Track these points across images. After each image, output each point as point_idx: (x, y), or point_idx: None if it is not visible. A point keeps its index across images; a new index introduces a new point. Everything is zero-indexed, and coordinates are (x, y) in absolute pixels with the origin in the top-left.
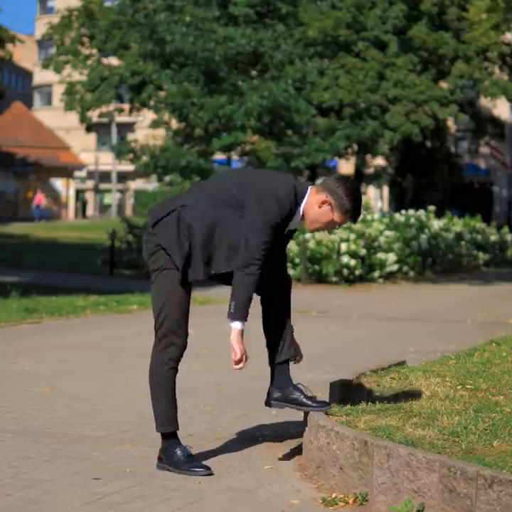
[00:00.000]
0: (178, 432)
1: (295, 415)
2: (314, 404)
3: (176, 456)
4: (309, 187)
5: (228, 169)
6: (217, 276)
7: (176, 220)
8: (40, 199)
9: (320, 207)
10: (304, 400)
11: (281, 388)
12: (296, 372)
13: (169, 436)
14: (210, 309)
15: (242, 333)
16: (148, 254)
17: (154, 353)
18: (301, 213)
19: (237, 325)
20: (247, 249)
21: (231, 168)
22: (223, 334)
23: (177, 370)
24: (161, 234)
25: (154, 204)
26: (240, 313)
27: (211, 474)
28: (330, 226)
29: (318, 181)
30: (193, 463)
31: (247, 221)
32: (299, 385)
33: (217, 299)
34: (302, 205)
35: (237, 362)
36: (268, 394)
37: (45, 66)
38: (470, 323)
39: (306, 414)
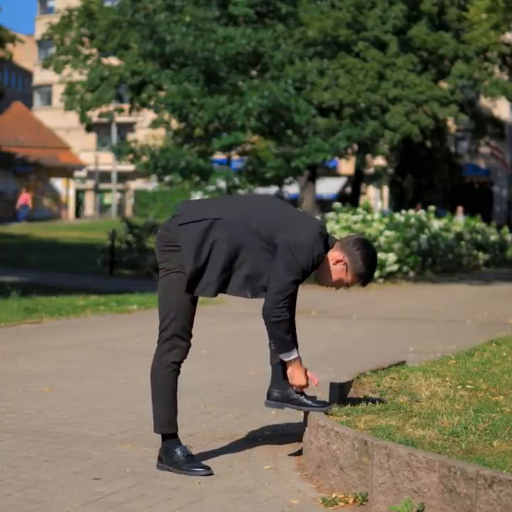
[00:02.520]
0: (177, 432)
1: (295, 415)
2: (314, 404)
3: (175, 456)
4: (336, 242)
5: (264, 195)
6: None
7: (204, 230)
8: (26, 199)
9: (335, 264)
10: (304, 400)
11: (281, 388)
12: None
13: (169, 436)
14: (210, 309)
15: (299, 361)
16: (164, 249)
17: (157, 354)
18: None
19: (287, 356)
20: (275, 293)
21: (264, 194)
22: (223, 334)
23: (179, 372)
24: (184, 236)
25: (185, 202)
26: (283, 348)
27: (211, 474)
28: (339, 285)
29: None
30: (193, 463)
31: (278, 264)
32: None
33: (217, 300)
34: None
35: (303, 387)
36: (268, 394)
37: (45, 66)
38: (470, 323)
39: (306, 414)
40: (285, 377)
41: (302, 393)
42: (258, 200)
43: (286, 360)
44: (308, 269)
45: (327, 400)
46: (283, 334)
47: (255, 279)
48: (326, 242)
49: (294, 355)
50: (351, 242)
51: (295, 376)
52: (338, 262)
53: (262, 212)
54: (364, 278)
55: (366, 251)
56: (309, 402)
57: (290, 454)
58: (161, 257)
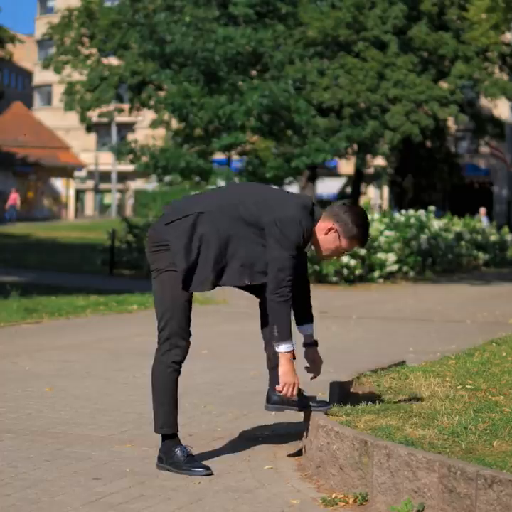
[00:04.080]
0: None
1: (295, 415)
2: (314, 405)
3: (175, 456)
4: (323, 212)
5: (242, 182)
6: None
7: (190, 225)
8: (14, 198)
9: (326, 234)
10: (304, 400)
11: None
12: (297, 373)
13: (169, 436)
14: (210, 309)
15: (293, 355)
16: (153, 250)
17: (157, 354)
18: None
19: (285, 348)
20: (276, 271)
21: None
22: (223, 334)
23: (179, 373)
24: (172, 235)
25: (172, 201)
26: (284, 334)
27: (211, 474)
28: (338, 253)
29: (327, 208)
30: (193, 463)
31: (270, 244)
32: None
33: (217, 299)
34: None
35: (292, 389)
36: (267, 398)
37: (45, 66)
38: (470, 323)
39: (306, 414)
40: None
41: (301, 394)
42: (239, 188)
43: (284, 351)
44: (301, 242)
45: (327, 400)
46: (287, 317)
47: (251, 266)
48: (313, 215)
49: (292, 346)
50: (337, 208)
51: (288, 372)
52: (329, 230)
53: (244, 199)
54: (359, 238)
55: (354, 212)
56: (309, 403)
57: (290, 454)
58: (151, 258)
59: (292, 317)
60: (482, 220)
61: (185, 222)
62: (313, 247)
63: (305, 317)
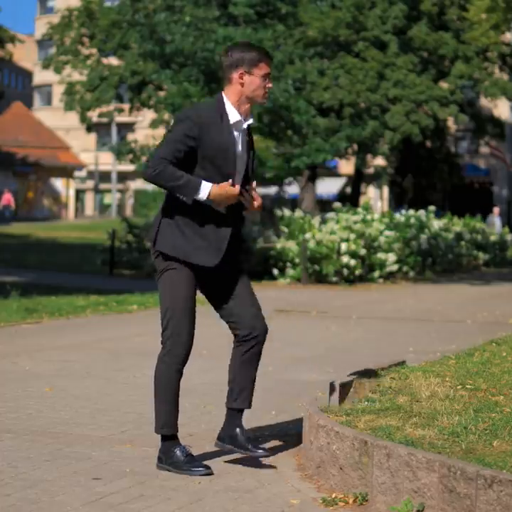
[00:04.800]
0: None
1: (295, 415)
2: (256, 451)
3: (175, 457)
4: (220, 93)
5: None
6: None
7: (157, 219)
8: (8, 199)
9: (242, 84)
10: (248, 445)
11: (227, 430)
12: (297, 373)
13: (169, 437)
14: (209, 309)
15: (214, 186)
16: (153, 255)
17: (160, 354)
18: (236, 112)
19: (200, 192)
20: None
21: None
22: (223, 334)
23: (181, 374)
24: (154, 239)
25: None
26: (188, 190)
27: (211, 474)
28: (264, 87)
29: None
30: (192, 463)
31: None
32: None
33: None
34: (229, 106)
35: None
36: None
37: (45, 66)
38: (470, 323)
39: (306, 414)
40: (237, 423)
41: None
42: None
43: (199, 197)
44: (192, 130)
45: (267, 450)
46: (172, 181)
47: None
48: (218, 102)
49: (205, 190)
50: (227, 61)
51: (222, 194)
52: (240, 77)
53: None
54: (263, 56)
55: (239, 45)
56: (250, 447)
57: (290, 454)
58: (154, 262)
59: None
60: (495, 220)
61: (155, 220)
62: (246, 100)
63: None
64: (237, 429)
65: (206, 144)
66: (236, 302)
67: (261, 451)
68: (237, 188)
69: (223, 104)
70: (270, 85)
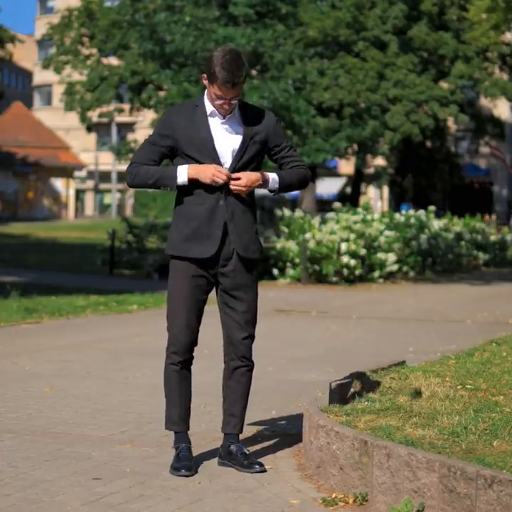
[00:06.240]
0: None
1: (295, 415)
2: (253, 467)
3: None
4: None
5: None
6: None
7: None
8: None
9: (208, 87)
10: (245, 462)
11: (224, 446)
12: (297, 373)
13: (176, 433)
14: (210, 309)
15: (192, 166)
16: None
17: (166, 351)
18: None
19: (179, 178)
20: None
21: None
22: None
23: (181, 374)
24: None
25: None
26: (167, 179)
27: (189, 476)
28: (219, 101)
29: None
30: (175, 463)
31: None
32: (243, 449)
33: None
34: (206, 99)
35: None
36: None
37: (45, 66)
38: (470, 323)
39: (305, 414)
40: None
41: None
42: None
43: (180, 182)
44: (161, 131)
45: (263, 466)
46: (149, 178)
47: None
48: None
49: (183, 173)
50: (208, 59)
51: (199, 169)
52: (203, 80)
53: None
54: (220, 78)
55: (218, 53)
56: (246, 463)
57: (290, 454)
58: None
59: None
60: None
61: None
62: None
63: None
64: (232, 446)
65: (180, 137)
66: (227, 323)
67: (257, 466)
68: (215, 166)
69: (203, 96)
70: (226, 107)
